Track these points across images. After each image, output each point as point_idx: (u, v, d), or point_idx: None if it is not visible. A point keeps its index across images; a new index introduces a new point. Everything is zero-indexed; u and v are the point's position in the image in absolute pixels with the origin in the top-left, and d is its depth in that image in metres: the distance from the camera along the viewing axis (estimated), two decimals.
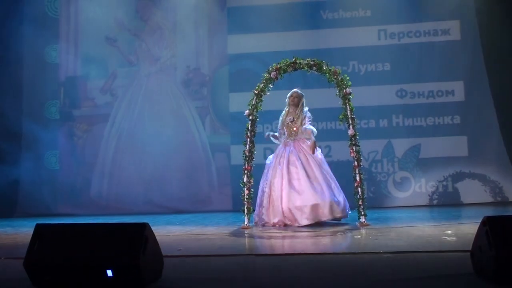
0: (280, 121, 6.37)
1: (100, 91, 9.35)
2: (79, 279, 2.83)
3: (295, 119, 6.21)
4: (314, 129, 6.20)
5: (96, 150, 9.20)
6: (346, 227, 5.70)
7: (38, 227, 2.95)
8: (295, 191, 5.95)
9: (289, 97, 6.31)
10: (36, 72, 9.29)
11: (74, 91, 9.41)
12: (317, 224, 5.86)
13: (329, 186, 5.99)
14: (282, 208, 5.95)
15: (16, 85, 9.16)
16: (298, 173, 6.00)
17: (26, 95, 9.23)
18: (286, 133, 6.28)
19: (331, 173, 6.16)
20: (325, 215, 5.87)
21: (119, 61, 9.38)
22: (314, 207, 5.85)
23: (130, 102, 9.27)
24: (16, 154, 8.99)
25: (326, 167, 6.18)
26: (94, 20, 9.33)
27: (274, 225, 5.96)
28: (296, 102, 6.26)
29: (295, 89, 6.38)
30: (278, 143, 6.39)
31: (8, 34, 9.07)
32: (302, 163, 6.05)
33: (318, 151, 6.24)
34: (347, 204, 6.10)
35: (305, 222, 5.84)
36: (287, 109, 6.33)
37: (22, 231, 6.29)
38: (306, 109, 6.31)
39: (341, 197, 6.02)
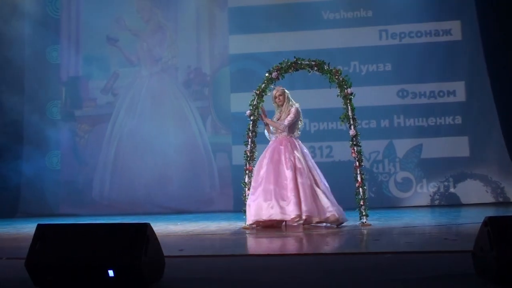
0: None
1: (102, 91, 9.36)
2: (80, 279, 2.83)
3: (281, 117, 6.01)
4: (284, 123, 5.92)
5: (97, 150, 9.22)
6: (348, 227, 5.69)
7: (40, 227, 2.95)
8: (253, 189, 5.86)
9: (273, 100, 6.09)
10: (38, 72, 9.31)
11: (75, 91, 9.43)
12: (317, 226, 5.73)
13: (283, 187, 5.71)
14: (248, 205, 5.89)
15: (17, 85, 9.18)
16: (263, 170, 5.85)
17: (27, 95, 9.25)
18: (275, 130, 6.09)
19: (310, 178, 5.75)
20: (264, 215, 5.68)
21: (121, 61, 9.40)
22: (257, 206, 5.73)
23: (131, 102, 9.29)
24: (18, 154, 9.01)
25: (309, 165, 5.82)
26: (95, 20, 9.34)
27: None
28: (282, 100, 6.04)
29: (275, 88, 6.10)
30: (268, 138, 6.19)
31: (10, 35, 9.08)
32: (268, 161, 5.86)
33: (298, 153, 5.89)
34: (315, 211, 5.66)
35: (251, 220, 5.76)
36: (277, 110, 6.13)
37: (24, 231, 6.29)
38: (297, 105, 6.03)
39: (293, 201, 5.61)
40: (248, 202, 5.89)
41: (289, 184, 5.70)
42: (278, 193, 5.73)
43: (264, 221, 5.76)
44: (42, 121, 9.19)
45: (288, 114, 5.96)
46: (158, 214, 8.29)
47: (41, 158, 9.10)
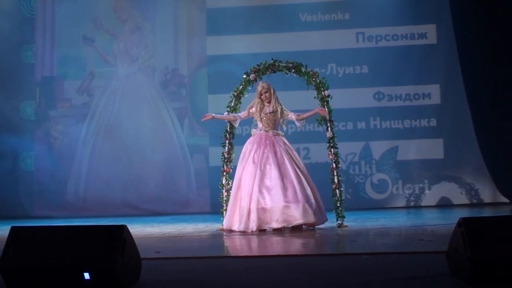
0: (248, 112, 5.90)
1: (77, 92, 9.25)
2: (56, 282, 2.79)
3: (275, 111, 5.81)
4: (295, 116, 5.89)
5: (72, 151, 9.10)
6: (325, 229, 5.71)
7: (14, 230, 2.91)
8: (266, 190, 5.51)
9: (259, 96, 5.83)
10: (11, 72, 9.15)
11: (50, 92, 9.30)
12: (293, 228, 5.56)
13: (303, 188, 5.54)
14: (249, 210, 5.46)
15: None
16: (271, 170, 5.57)
17: (1, 95, 9.08)
18: (262, 125, 5.82)
19: (308, 175, 5.73)
20: (296, 219, 5.41)
21: (97, 61, 9.30)
22: (285, 209, 5.40)
23: (107, 102, 9.20)
24: None
25: (302, 167, 5.75)
26: (71, 20, 9.24)
27: (237, 231, 5.48)
28: (269, 97, 5.82)
29: (261, 84, 5.88)
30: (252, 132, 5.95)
31: None
32: (277, 160, 5.62)
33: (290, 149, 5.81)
34: (324, 211, 5.70)
35: (274, 225, 5.41)
36: (261, 103, 5.84)
37: None
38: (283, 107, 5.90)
39: (316, 201, 5.58)
40: (268, 205, 5.46)
41: (297, 182, 5.53)
42: (299, 193, 5.49)
43: (293, 226, 5.52)
44: (16, 122, 9.05)
45: (282, 110, 5.83)
46: (134, 216, 8.23)
47: (15, 159, 8.95)
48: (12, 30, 9.12)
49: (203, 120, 6.07)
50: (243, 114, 5.99)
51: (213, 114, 6.06)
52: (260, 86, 5.91)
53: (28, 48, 9.29)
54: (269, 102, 5.86)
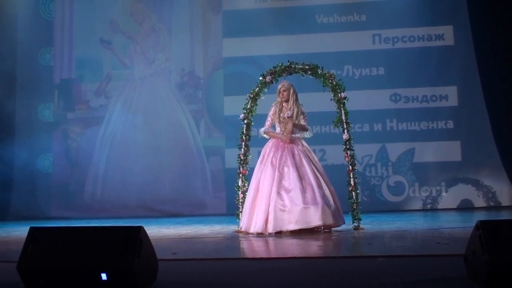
0: (270, 118, 5.90)
1: (95, 94, 9.34)
2: (73, 283, 2.82)
3: (292, 115, 5.79)
4: (309, 131, 5.95)
5: (90, 153, 9.18)
6: (341, 231, 5.69)
7: (33, 230, 2.94)
8: (285, 192, 5.48)
9: (278, 95, 5.86)
10: (30, 74, 9.27)
11: (68, 94, 9.40)
12: (308, 230, 5.45)
13: (322, 189, 5.53)
14: (267, 212, 5.44)
15: (9, 87, 9.13)
16: (289, 172, 5.55)
17: (19, 97, 9.19)
18: (281, 128, 5.83)
19: (327, 177, 5.72)
20: (315, 221, 5.34)
21: (114, 64, 9.38)
22: (304, 211, 5.37)
23: (124, 104, 9.26)
24: (9, 157, 8.95)
25: (321, 169, 5.75)
26: (88, 22, 9.34)
27: (254, 233, 5.45)
28: (287, 96, 5.82)
29: (281, 83, 5.90)
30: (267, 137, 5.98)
31: (2, 36, 9.05)
32: (295, 161, 5.61)
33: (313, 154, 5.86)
34: (342, 213, 5.64)
35: (292, 227, 5.35)
36: (279, 105, 5.86)
37: (15, 234, 6.26)
38: (302, 108, 5.90)
39: (334, 203, 5.55)
40: (287, 206, 5.42)
41: (315, 184, 5.51)
42: (318, 195, 5.46)
43: (311, 228, 5.42)
44: (34, 124, 9.15)
45: (299, 115, 5.81)
46: (151, 218, 8.27)
47: (33, 160, 9.05)
48: (30, 33, 9.24)
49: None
50: (269, 124, 5.93)
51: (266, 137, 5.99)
52: (280, 84, 5.94)
53: (47, 50, 9.40)
54: (286, 101, 5.85)
